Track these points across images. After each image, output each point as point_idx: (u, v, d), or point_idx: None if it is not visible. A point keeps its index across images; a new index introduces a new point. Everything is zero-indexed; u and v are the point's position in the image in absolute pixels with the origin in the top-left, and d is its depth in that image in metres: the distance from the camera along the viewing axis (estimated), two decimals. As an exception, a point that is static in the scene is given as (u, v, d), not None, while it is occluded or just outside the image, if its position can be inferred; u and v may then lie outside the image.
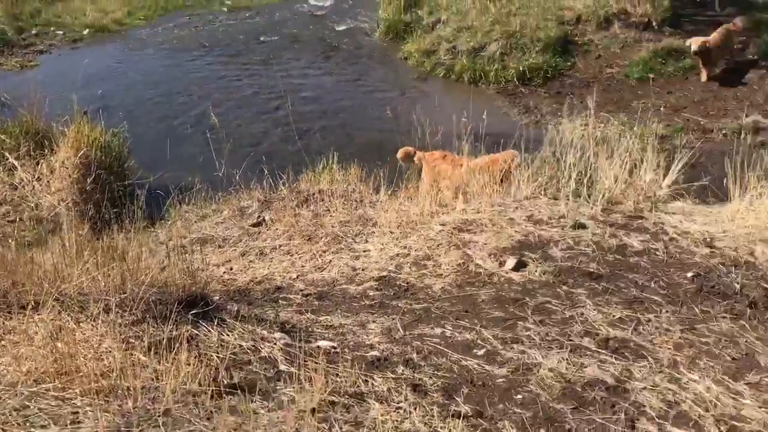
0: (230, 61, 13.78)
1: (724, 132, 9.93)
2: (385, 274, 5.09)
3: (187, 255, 4.87)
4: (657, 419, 3.43)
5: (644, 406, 3.54)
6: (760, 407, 3.57)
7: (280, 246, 5.69)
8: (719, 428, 3.40)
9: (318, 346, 4.01)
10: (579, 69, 12.36)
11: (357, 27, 15.76)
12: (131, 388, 3.20)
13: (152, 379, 3.34)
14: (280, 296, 4.96)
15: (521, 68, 12.09)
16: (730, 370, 3.87)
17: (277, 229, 5.94)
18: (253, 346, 3.90)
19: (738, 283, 4.72)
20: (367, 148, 9.36)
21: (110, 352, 3.51)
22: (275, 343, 3.96)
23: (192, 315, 3.97)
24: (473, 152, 6.77)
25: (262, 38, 15.01)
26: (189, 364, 3.39)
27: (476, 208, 5.85)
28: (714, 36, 11.33)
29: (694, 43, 11.02)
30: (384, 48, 14.49)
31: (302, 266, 5.36)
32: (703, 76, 11.47)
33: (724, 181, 6.04)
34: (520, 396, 3.60)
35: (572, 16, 13.38)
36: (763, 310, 4.46)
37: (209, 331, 3.93)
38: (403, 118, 9.60)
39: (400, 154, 7.81)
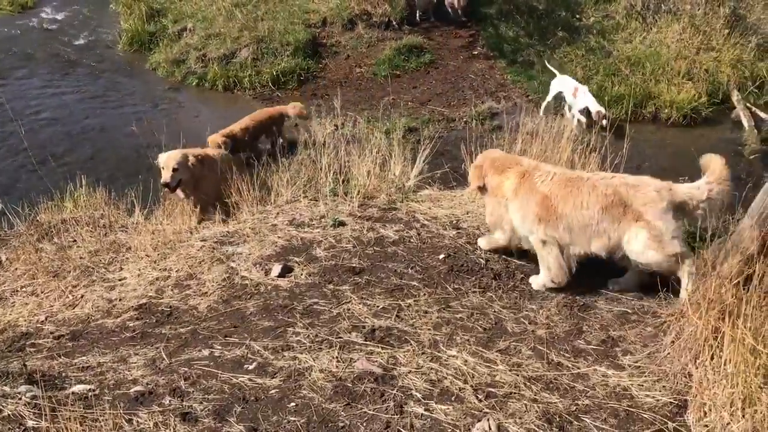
0: (-53, 85, 12.14)
1: (465, 120, 10.79)
2: (145, 301, 4.80)
3: None
4: (423, 400, 3.63)
5: (411, 389, 3.73)
6: (510, 371, 3.93)
7: (22, 287, 5.12)
8: (478, 396, 3.68)
9: (72, 393, 3.67)
10: (330, 70, 12.69)
11: (97, 40, 14.71)
12: None
13: None
14: (27, 343, 4.47)
15: (275, 72, 12.12)
16: (483, 341, 4.22)
17: (16, 269, 5.33)
18: (-6, 406, 3.46)
19: (483, 258, 5.17)
20: (120, 168, 8.78)
21: None
22: (20, 398, 3.55)
23: None
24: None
25: (-14, 57, 13.41)
26: None
27: (237, 218, 5.74)
28: None
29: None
30: (129, 60, 13.70)
31: (51, 306, 4.88)
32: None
33: (463, 166, 6.55)
34: (293, 404, 3.59)
35: (318, 19, 13.70)
36: (507, 280, 4.93)
37: (-65, 400, 3.42)
38: (158, 132, 9.15)
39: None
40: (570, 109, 10.44)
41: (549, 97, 10.67)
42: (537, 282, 4.87)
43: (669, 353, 3.89)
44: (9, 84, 12.30)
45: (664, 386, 3.71)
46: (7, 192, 7.30)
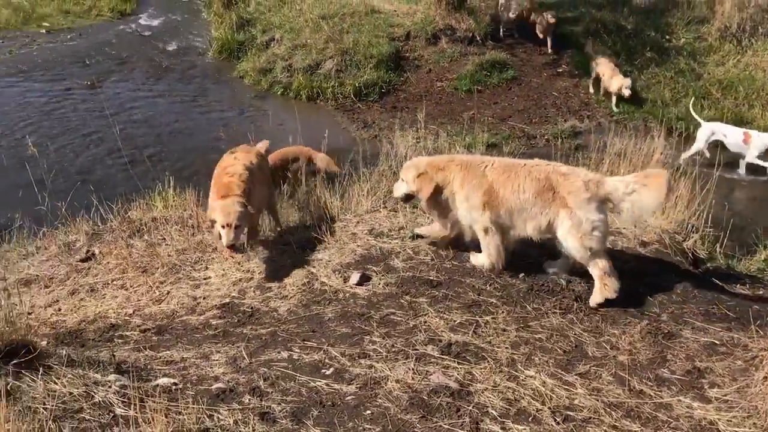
0: (52, 87, 12.84)
1: (546, 137, 10.66)
2: (227, 300, 4.94)
3: (4, 300, 4.43)
4: (499, 418, 3.59)
5: (487, 406, 3.69)
6: (590, 395, 3.84)
7: (113, 281, 5.35)
8: (555, 419, 3.61)
9: (158, 385, 3.80)
10: (412, 83, 12.78)
11: (189, 47, 15.32)
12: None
13: (-36, 445, 3.01)
14: (116, 335, 4.66)
15: (357, 84, 12.30)
16: (562, 363, 4.14)
17: (108, 263, 5.58)
18: (86, 392, 3.62)
19: (564, 279, 5.07)
20: (206, 171, 9.05)
21: None
22: (110, 387, 3.70)
23: (12, 366, 3.62)
24: (312, 171, 6.74)
25: (86, 61, 14.14)
26: (9, 422, 3.07)
27: (318, 226, 5.83)
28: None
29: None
30: (218, 67, 14.19)
31: (138, 300, 5.08)
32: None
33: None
34: (369, 411, 3.61)
35: (402, 32, 13.84)
36: (588, 302, 4.82)
37: (33, 381, 3.60)
38: (242, 138, 9.41)
39: None
40: (743, 157, 9.73)
41: (699, 146, 9.88)
42: (477, 260, 5.18)
43: (761, 389, 3.72)
44: (106, 87, 12.91)
45: (754, 423, 3.55)
46: (102, 188, 7.64)
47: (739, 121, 10.65)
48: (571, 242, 4.75)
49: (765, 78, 11.72)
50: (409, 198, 5.38)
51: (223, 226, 5.07)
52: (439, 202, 5.16)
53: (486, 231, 5.00)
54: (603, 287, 4.75)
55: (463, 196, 5.02)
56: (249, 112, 12.02)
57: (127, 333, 4.65)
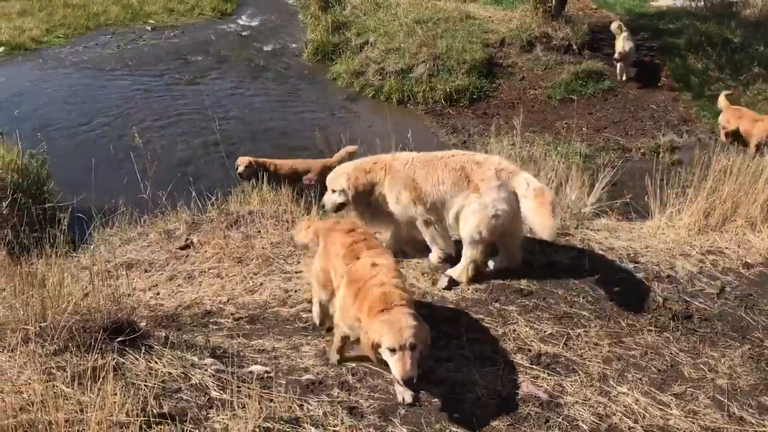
0: (155, 81, 13.48)
1: (642, 151, 10.35)
2: (317, 295, 5.02)
3: (111, 280, 4.67)
4: (589, 432, 3.51)
5: (577, 420, 3.62)
6: (685, 417, 3.70)
7: (209, 269, 5.54)
8: (648, 439, 3.50)
9: (251, 372, 3.92)
10: (504, 90, 12.67)
11: (285, 47, 15.72)
12: (53, 422, 3.04)
13: (76, 412, 3.18)
14: (210, 321, 4.82)
15: (448, 89, 12.30)
16: (657, 382, 4.00)
17: (205, 251, 5.78)
18: (183, 373, 3.77)
19: (660, 296, 4.90)
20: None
21: (30, 384, 3.32)
22: (206, 370, 3.85)
23: (118, 343, 3.81)
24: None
25: (187, 57, 14.74)
26: (115, 395, 3.24)
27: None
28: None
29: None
30: (312, 69, 14.49)
31: (233, 289, 5.23)
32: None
33: (645, 198, 6.27)
34: (456, 415, 3.60)
35: (496, 39, 13.75)
36: (685, 322, 4.64)
37: (136, 359, 3.78)
38: (333, 138, 9.58)
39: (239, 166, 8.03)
40: None
41: None
42: (431, 259, 5.32)
43: None
44: (205, 84, 13.42)
45: None
46: (200, 180, 7.95)
47: None
48: (469, 222, 4.89)
49: None
50: (341, 207, 5.34)
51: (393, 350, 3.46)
52: (371, 205, 5.23)
53: (427, 224, 5.15)
54: (465, 269, 5.01)
55: (394, 197, 5.12)
56: (340, 114, 12.22)
57: (222, 320, 4.81)
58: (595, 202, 6.41)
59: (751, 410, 3.79)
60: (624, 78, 12.67)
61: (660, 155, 9.81)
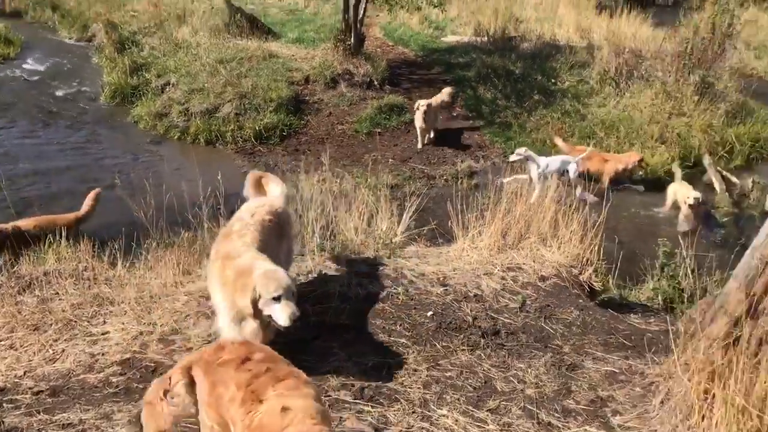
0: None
1: (445, 178, 10.96)
2: (128, 356, 4.70)
3: None
4: (415, 459, 3.59)
5: (402, 448, 3.69)
6: (501, 430, 3.91)
7: (1, 341, 4.99)
8: (469, 456, 3.65)
9: (54, 451, 3.56)
10: (313, 126, 12.87)
11: (79, 92, 14.77)
12: None
13: None
14: (5, 399, 4.33)
15: (257, 128, 12.25)
16: (473, 400, 4.20)
17: (-5, 322, 5.22)
18: (-27, 464, 3.35)
19: (470, 316, 5.19)
20: (101, 219, 8.67)
21: None
22: (-1, 457, 3.44)
23: None
24: (215, 218, 6.55)
25: (-35, 106, 13.35)
26: None
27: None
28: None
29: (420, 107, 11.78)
30: (111, 112, 13.73)
31: (29, 360, 4.74)
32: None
33: (449, 223, 6.62)
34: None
35: (301, 77, 13.98)
36: (494, 338, 4.94)
37: None
38: (137, 184, 9.10)
39: None
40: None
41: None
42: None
43: (659, 414, 3.91)
44: (-13, 134, 12.21)
45: (655, 447, 3.72)
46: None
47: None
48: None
49: (642, 118, 12.60)
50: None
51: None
52: None
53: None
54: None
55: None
56: (144, 157, 11.67)
57: (18, 396, 4.34)
58: (405, 230, 6.67)
59: (557, 415, 4.09)
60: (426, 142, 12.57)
61: (459, 181, 10.50)
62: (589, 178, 10.55)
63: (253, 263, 4.24)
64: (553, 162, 9.95)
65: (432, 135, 12.31)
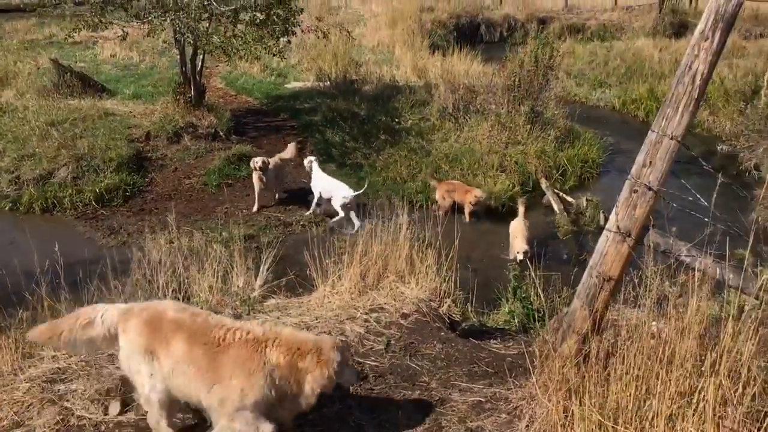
0: None
1: (302, 223, 10.90)
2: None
3: None
4: None
5: None
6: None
7: None
8: None
9: None
10: (158, 183, 12.38)
11: None
12: None
13: None
14: None
15: (98, 190, 11.59)
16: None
17: None
18: None
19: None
20: None
21: None
22: None
23: None
24: (55, 293, 6.07)
25: None
26: None
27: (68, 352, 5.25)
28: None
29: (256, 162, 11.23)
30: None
31: None
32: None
33: (308, 271, 6.56)
34: None
35: (141, 133, 13.47)
36: (363, 384, 4.91)
37: None
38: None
39: None
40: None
41: None
42: None
43: (526, 437, 4.04)
44: None
45: (525, 472, 3.82)
46: None
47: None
48: None
49: (482, 149, 13.28)
50: None
51: None
52: None
53: None
54: None
55: None
56: (-28, 235, 10.66)
57: None
58: (264, 283, 6.53)
59: (430, 452, 4.11)
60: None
61: (316, 226, 10.49)
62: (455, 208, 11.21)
63: None
64: (328, 187, 11.00)
65: (277, 196, 11.83)
